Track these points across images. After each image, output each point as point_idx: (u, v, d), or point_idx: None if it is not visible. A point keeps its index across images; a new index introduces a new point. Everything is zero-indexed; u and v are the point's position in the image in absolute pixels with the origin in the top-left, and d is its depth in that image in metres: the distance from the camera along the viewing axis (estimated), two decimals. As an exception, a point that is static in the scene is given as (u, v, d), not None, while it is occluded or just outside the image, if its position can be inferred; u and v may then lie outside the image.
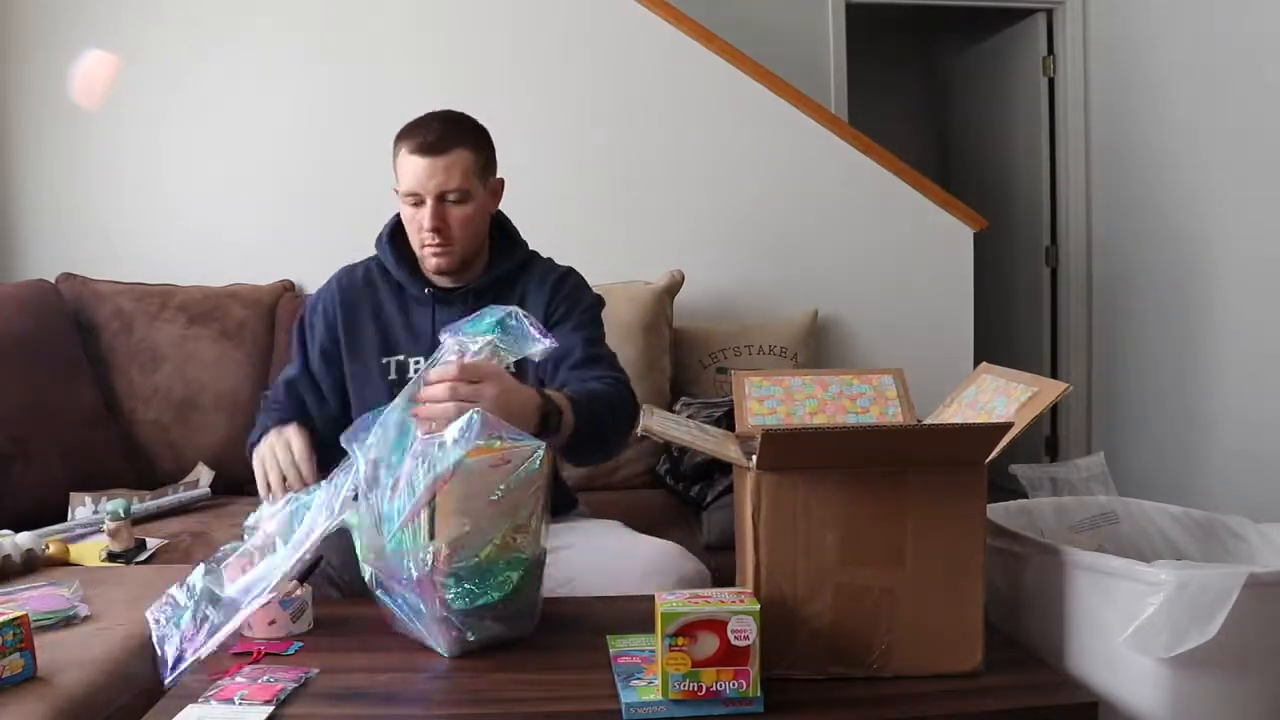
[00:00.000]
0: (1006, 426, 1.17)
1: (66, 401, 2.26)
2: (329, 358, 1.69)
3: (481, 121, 1.67)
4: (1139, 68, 3.44)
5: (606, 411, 1.48)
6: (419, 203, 1.60)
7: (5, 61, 2.64)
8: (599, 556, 1.52)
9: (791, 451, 1.13)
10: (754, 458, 1.13)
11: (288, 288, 2.63)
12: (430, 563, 1.15)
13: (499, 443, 1.17)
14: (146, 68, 2.65)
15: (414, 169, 1.58)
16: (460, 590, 1.17)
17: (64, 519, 2.07)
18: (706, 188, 2.81)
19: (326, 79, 2.71)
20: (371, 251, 1.75)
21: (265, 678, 1.13)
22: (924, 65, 5.18)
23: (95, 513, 2.06)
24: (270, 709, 1.06)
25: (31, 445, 2.14)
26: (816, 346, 2.74)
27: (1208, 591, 1.13)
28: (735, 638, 1.04)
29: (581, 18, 2.76)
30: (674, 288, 2.64)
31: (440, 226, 1.59)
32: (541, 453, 1.19)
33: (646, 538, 1.60)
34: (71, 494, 2.14)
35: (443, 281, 1.69)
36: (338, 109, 2.71)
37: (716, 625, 1.04)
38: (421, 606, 1.18)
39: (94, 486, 2.17)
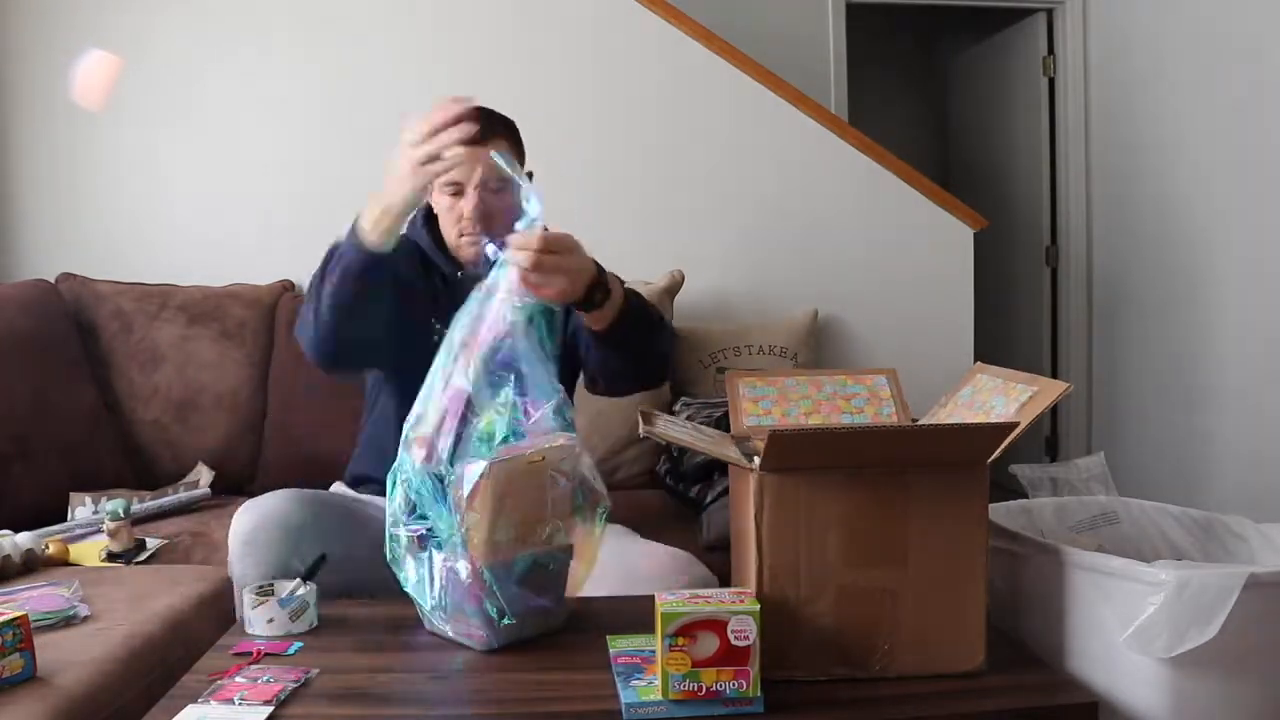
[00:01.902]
0: (1011, 426, 1.17)
1: (66, 401, 2.26)
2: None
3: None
4: (1139, 67, 3.44)
5: (653, 309, 1.51)
6: (458, 192, 1.58)
7: (5, 61, 2.64)
8: (608, 562, 1.50)
9: (795, 452, 1.13)
10: (756, 459, 1.13)
11: (287, 288, 2.63)
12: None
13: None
14: (147, 68, 2.65)
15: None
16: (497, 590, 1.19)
17: (64, 519, 2.07)
18: (706, 188, 2.80)
19: (326, 79, 2.71)
20: None
21: (265, 678, 1.13)
22: (924, 65, 5.18)
23: (95, 513, 2.06)
24: (270, 709, 1.06)
25: (31, 445, 2.14)
26: (816, 346, 2.73)
27: (1208, 591, 1.13)
28: (735, 638, 1.04)
29: (581, 17, 2.76)
30: (674, 288, 2.64)
31: (483, 215, 1.58)
32: (577, 449, 1.25)
33: (655, 544, 1.58)
34: (71, 494, 2.14)
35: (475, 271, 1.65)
36: (337, 109, 2.71)
37: (716, 625, 1.04)
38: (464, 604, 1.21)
39: (94, 486, 2.17)
